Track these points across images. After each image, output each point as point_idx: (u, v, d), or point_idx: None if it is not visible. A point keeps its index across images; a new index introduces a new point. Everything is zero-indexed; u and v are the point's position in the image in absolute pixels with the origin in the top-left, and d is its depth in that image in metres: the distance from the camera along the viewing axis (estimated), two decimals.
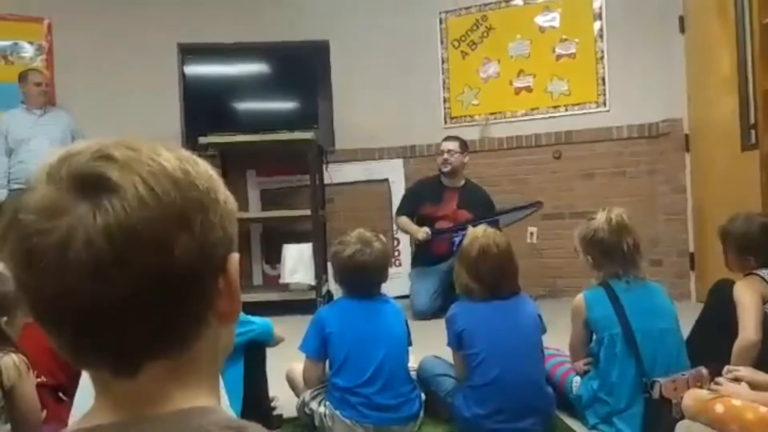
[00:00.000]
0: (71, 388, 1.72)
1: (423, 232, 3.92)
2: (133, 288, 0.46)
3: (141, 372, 0.49)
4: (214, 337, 0.53)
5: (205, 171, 0.52)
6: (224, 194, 0.53)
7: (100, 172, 0.46)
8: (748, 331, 2.07)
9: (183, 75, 4.42)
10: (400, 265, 4.38)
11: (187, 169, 0.50)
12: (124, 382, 0.49)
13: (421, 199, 4.08)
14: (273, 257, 4.56)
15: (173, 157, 0.50)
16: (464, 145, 4.08)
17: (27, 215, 0.47)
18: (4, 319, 1.75)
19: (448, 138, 4.11)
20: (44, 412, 1.76)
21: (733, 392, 1.80)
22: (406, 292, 3.98)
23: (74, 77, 4.44)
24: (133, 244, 0.46)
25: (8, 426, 1.60)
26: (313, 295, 4.06)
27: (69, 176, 0.47)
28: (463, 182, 4.09)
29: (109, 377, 0.50)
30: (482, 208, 3.96)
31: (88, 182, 0.46)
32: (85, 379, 1.31)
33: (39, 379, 1.78)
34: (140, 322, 0.47)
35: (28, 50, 4.54)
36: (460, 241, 2.26)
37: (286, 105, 4.57)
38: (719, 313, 2.25)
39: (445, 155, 4.00)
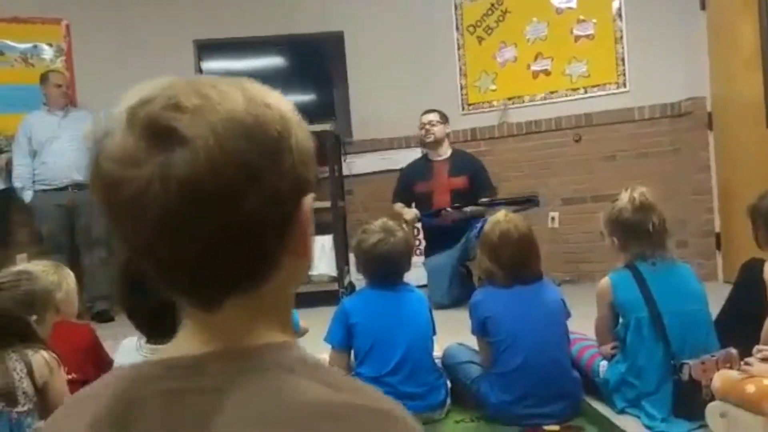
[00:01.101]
0: None
1: (411, 213, 3.94)
2: (206, 239, 0.48)
3: (222, 308, 0.51)
4: (287, 275, 0.54)
5: (277, 113, 0.51)
6: (298, 135, 0.53)
7: (171, 124, 0.47)
8: None
9: (200, 71, 4.44)
10: (420, 254, 4.37)
11: (257, 115, 0.49)
12: (208, 315, 0.52)
13: (412, 179, 4.05)
14: None
15: (244, 101, 0.49)
16: (444, 116, 4.04)
17: (107, 162, 0.48)
18: (34, 317, 1.78)
19: (427, 111, 4.06)
20: None
21: (764, 372, 1.77)
22: (424, 281, 3.95)
23: (94, 77, 4.49)
24: (205, 199, 0.47)
25: (42, 423, 1.63)
26: (335, 286, 4.07)
27: (143, 124, 0.48)
28: (450, 152, 4.05)
29: (194, 309, 0.52)
30: (473, 171, 3.92)
31: (160, 133, 0.47)
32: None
33: (70, 376, 1.81)
34: (216, 267, 0.49)
35: (47, 52, 4.60)
36: (481, 227, 2.25)
37: (302, 97, 4.56)
38: (749, 293, 2.21)
39: (426, 126, 3.98)
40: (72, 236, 4.00)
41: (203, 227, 0.47)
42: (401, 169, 4.26)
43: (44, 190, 3.94)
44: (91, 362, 2.03)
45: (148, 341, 1.30)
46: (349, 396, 0.50)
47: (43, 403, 1.64)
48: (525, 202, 3.78)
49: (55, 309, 2.04)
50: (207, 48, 4.50)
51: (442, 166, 4.01)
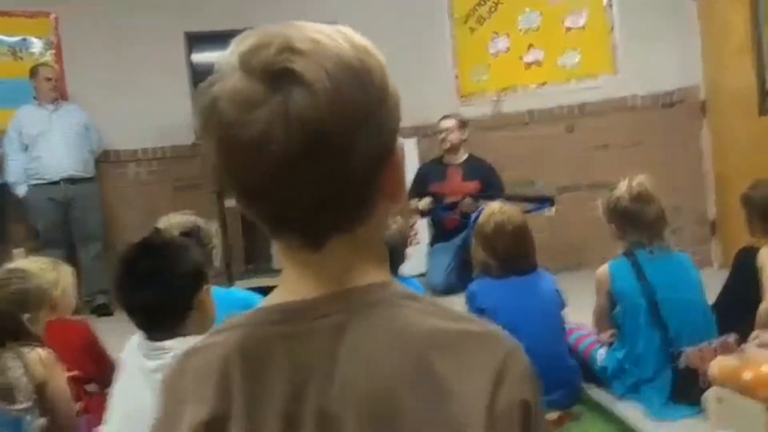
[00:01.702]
0: (103, 379, 1.74)
1: (424, 202, 4.03)
2: (320, 180, 0.49)
3: (325, 247, 0.53)
4: (380, 217, 0.56)
5: (378, 63, 0.53)
6: (392, 82, 0.54)
7: (288, 66, 0.48)
8: None
9: (191, 64, 4.41)
10: (418, 243, 4.38)
11: (363, 59, 0.51)
12: (312, 254, 0.53)
13: (426, 180, 4.15)
14: None
15: (351, 46, 0.51)
16: (462, 123, 4.14)
17: (226, 103, 0.48)
18: (27, 315, 1.77)
19: (445, 117, 4.16)
20: (78, 405, 1.78)
21: (762, 358, 1.79)
22: (424, 270, 4.01)
23: (84, 70, 4.44)
24: (325, 138, 0.48)
25: (42, 420, 1.62)
26: None
27: (260, 67, 0.48)
28: (465, 157, 4.15)
29: (297, 249, 0.53)
30: (486, 177, 4.00)
31: (278, 75, 0.48)
32: (123, 376, 1.32)
33: (70, 374, 1.80)
34: (325, 208, 0.51)
35: (36, 45, 4.54)
36: (476, 218, 2.25)
37: None
38: (744, 280, 2.24)
39: (444, 134, 4.09)
40: (67, 230, 3.98)
41: (322, 166, 0.49)
42: (419, 169, 4.32)
43: (37, 185, 3.91)
44: (90, 359, 2.02)
45: (148, 338, 1.29)
46: (452, 323, 0.53)
47: (42, 400, 1.63)
48: (541, 201, 3.84)
49: (51, 306, 2.03)
50: (198, 40, 4.45)
51: (456, 170, 4.10)
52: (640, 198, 2.08)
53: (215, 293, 1.41)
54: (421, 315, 0.53)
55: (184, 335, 1.27)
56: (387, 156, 0.54)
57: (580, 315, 2.26)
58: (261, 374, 0.52)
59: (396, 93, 0.55)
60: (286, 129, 0.47)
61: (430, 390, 0.49)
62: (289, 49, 0.48)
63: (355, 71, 0.50)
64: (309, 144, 0.48)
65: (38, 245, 3.81)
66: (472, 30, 4.64)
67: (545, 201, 3.86)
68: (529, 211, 3.77)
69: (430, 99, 4.55)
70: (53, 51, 4.53)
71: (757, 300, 2.10)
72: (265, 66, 0.48)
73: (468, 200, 3.83)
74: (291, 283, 0.55)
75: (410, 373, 0.50)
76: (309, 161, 0.48)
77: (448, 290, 3.53)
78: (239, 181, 0.51)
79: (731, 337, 1.92)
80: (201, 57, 4.44)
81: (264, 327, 0.53)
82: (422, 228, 4.55)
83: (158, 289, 1.27)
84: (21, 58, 4.45)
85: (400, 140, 0.56)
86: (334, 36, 0.51)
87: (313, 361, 0.51)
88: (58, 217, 3.94)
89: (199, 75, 4.35)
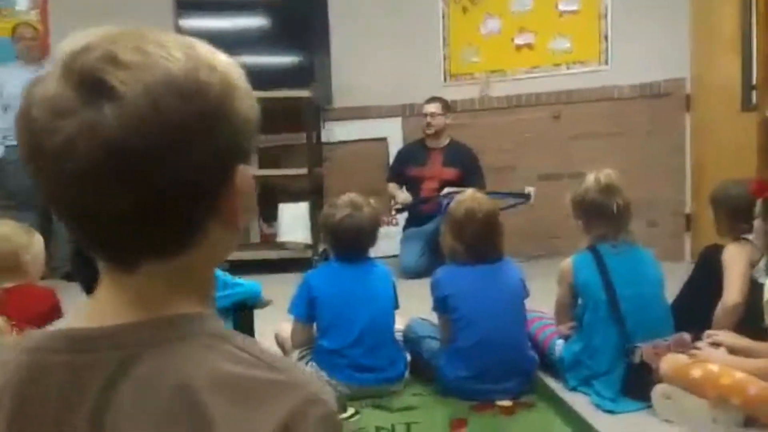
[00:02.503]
0: None
1: (403, 196, 4.07)
2: (130, 200, 0.47)
3: (139, 270, 0.50)
4: (213, 245, 0.53)
5: (221, 78, 0.49)
6: (243, 104, 0.51)
7: (104, 78, 0.45)
8: (731, 293, 2.09)
9: (179, 29, 4.35)
10: (396, 224, 4.39)
11: (199, 78, 0.48)
12: (124, 276, 0.51)
13: (407, 163, 4.16)
14: (270, 215, 4.57)
15: (186, 62, 0.48)
16: (446, 106, 4.12)
17: (37, 109, 0.47)
18: None
19: (430, 100, 4.13)
20: None
21: (712, 357, 1.82)
22: (397, 252, 4.03)
23: (69, 31, 4.36)
24: (131, 159, 0.45)
25: None
26: (309, 253, 4.09)
27: (78, 73, 0.46)
28: (447, 141, 4.14)
29: (108, 269, 0.52)
30: (467, 165, 4.00)
31: (93, 85, 0.45)
32: None
33: None
34: (137, 228, 0.48)
35: (21, 3, 4.47)
36: (448, 204, 2.26)
37: (283, 61, 4.50)
38: (707, 278, 2.26)
39: (428, 118, 4.07)
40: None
41: (127, 187, 0.46)
42: (399, 151, 4.33)
43: (14, 146, 3.85)
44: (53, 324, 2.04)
45: None
46: (250, 369, 0.49)
47: None
48: (519, 197, 3.85)
49: (21, 271, 2.04)
50: (186, 6, 4.40)
51: (437, 155, 4.10)
52: (607, 190, 2.09)
53: None
54: (222, 358, 0.49)
55: None
56: (222, 180, 0.51)
57: (549, 302, 2.27)
58: (29, 411, 0.49)
59: (246, 115, 0.52)
60: (89, 143, 0.45)
61: None
62: (111, 59, 0.46)
63: (182, 90, 0.47)
64: (111, 162, 0.45)
65: (12, 207, 3.79)
66: (465, 9, 4.59)
67: (523, 198, 3.88)
68: (506, 207, 3.79)
69: (418, 78, 4.52)
70: (38, 11, 4.46)
71: (718, 298, 2.14)
72: (82, 73, 0.46)
73: (449, 198, 3.81)
74: (99, 304, 0.52)
75: (181, 419, 0.47)
76: (110, 180, 0.46)
77: (419, 275, 3.55)
78: (45, 190, 0.49)
79: (686, 335, 1.95)
80: (190, 23, 4.39)
81: (46, 355, 0.50)
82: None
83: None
84: (5, 16, 4.38)
85: (242, 168, 0.52)
86: (170, 48, 0.48)
87: (84, 401, 0.48)
88: (32, 181, 3.90)
89: None
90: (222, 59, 0.51)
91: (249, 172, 0.53)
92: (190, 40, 0.50)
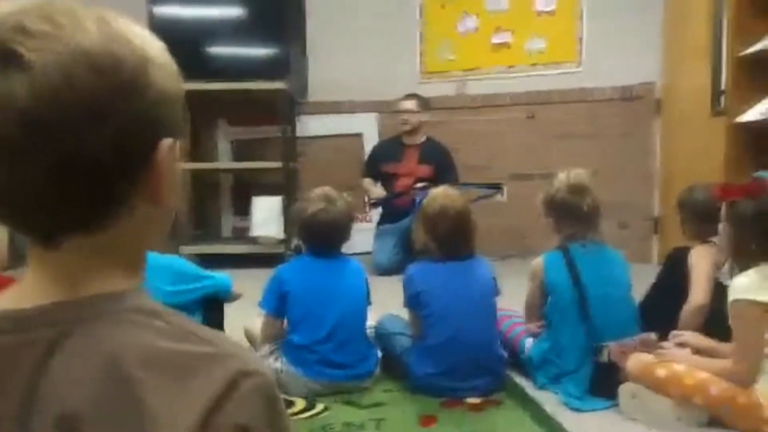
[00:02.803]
0: None
1: (377, 192, 4.07)
2: (44, 172, 0.46)
3: (61, 247, 0.50)
4: (139, 222, 0.52)
5: (137, 51, 0.49)
6: (160, 76, 0.50)
7: (13, 48, 0.45)
8: (697, 293, 2.13)
9: (152, 18, 4.27)
10: (370, 220, 4.38)
11: (112, 50, 0.47)
12: (48, 253, 0.50)
13: (382, 159, 4.15)
14: (242, 209, 4.53)
15: (100, 34, 0.47)
16: (423, 104, 4.11)
17: None
18: None
19: (406, 97, 4.12)
20: None
21: (677, 357, 1.85)
22: (371, 248, 4.03)
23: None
24: (43, 131, 0.45)
25: None
26: (282, 248, 4.06)
27: None
28: (423, 139, 4.13)
29: (33, 245, 0.51)
30: (441, 163, 4.01)
31: (3, 56, 0.45)
32: None
33: None
34: (54, 203, 0.48)
35: None
36: (421, 200, 2.26)
37: (258, 52, 4.45)
38: (674, 279, 2.30)
39: (405, 116, 4.06)
40: None
41: (41, 159, 0.46)
42: (374, 147, 4.33)
43: None
44: None
45: None
46: (183, 344, 0.49)
47: None
48: (492, 188, 3.88)
49: None
50: None
51: (413, 151, 4.09)
52: (577, 190, 2.11)
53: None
54: (148, 333, 0.49)
55: None
56: (142, 155, 0.50)
57: (522, 301, 2.29)
58: None
59: (168, 88, 0.51)
60: (3, 113, 0.44)
61: (127, 415, 0.47)
62: (22, 29, 0.45)
63: (94, 62, 0.46)
64: (23, 134, 0.45)
65: None
66: (443, 6, 4.60)
67: (495, 188, 3.91)
68: (480, 198, 3.82)
69: (394, 74, 4.52)
70: None
71: (684, 299, 2.17)
72: None
73: (424, 193, 3.80)
74: (26, 284, 0.52)
75: (109, 395, 0.47)
76: (23, 153, 0.45)
77: (392, 271, 3.55)
78: None
79: (652, 335, 1.98)
80: (162, 10, 4.31)
81: None
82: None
83: None
84: None
85: (165, 141, 0.52)
86: (85, 21, 0.47)
87: (14, 383, 0.48)
88: None
89: (160, 30, 4.17)
90: (138, 32, 0.51)
91: (175, 147, 0.53)
92: (105, 12, 0.50)
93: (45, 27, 0.46)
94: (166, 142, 0.52)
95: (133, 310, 0.51)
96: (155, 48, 0.52)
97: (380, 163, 4.14)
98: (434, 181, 3.85)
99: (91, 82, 0.46)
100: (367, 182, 4.20)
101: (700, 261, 2.21)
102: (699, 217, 2.27)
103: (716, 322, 1.97)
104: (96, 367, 0.47)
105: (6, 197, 0.48)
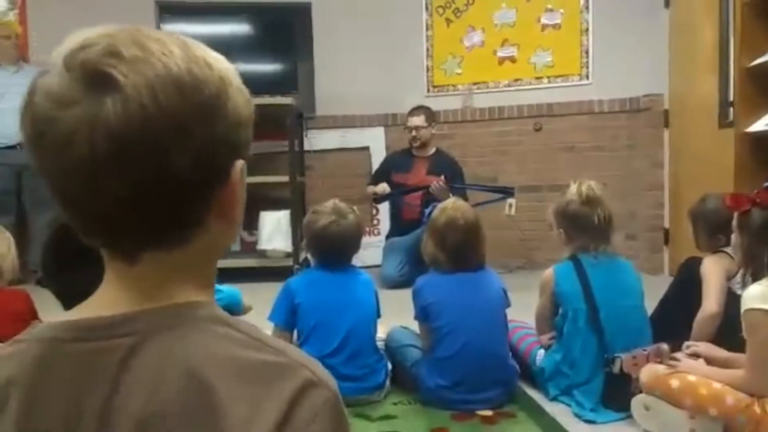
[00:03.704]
0: None
1: (380, 187, 4.05)
2: (130, 189, 0.48)
3: (140, 262, 0.52)
4: (212, 238, 0.54)
5: (216, 74, 0.51)
6: (238, 99, 0.53)
7: (107, 71, 0.47)
8: (710, 302, 2.12)
9: None
10: (378, 234, 4.38)
11: (195, 73, 0.49)
12: (126, 267, 0.52)
13: (391, 169, 4.16)
14: (251, 223, 4.54)
15: (184, 57, 0.49)
16: (430, 117, 4.11)
17: (40, 99, 0.48)
18: None
19: (413, 111, 4.12)
20: None
21: (690, 367, 1.83)
22: (380, 261, 4.03)
23: (48, 33, 4.32)
24: (132, 148, 0.47)
25: None
26: (290, 262, 4.06)
27: (80, 67, 0.47)
28: (432, 151, 4.15)
29: (111, 260, 0.53)
30: (450, 174, 4.01)
31: (95, 78, 0.47)
32: None
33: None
34: (137, 220, 0.50)
35: (0, 4, 4.41)
36: (430, 212, 2.26)
37: (266, 68, 4.49)
38: (686, 290, 2.29)
39: (413, 132, 4.07)
40: (18, 198, 3.89)
41: (127, 178, 0.47)
42: (386, 157, 4.34)
43: None
44: (25, 327, 1.99)
45: None
46: (255, 353, 0.51)
47: None
48: (501, 191, 3.86)
49: None
50: (169, 10, 4.37)
51: (423, 163, 4.10)
52: (589, 202, 2.11)
53: None
54: (224, 342, 0.51)
55: None
56: (219, 175, 0.52)
57: (531, 313, 2.28)
58: (39, 400, 0.50)
59: (242, 111, 0.53)
60: (91, 135, 0.46)
61: (205, 420, 0.48)
62: (114, 53, 0.47)
63: (181, 84, 0.48)
64: (113, 154, 0.47)
65: None
66: (448, 21, 4.63)
67: (507, 192, 3.90)
68: (490, 201, 3.81)
69: (401, 89, 4.55)
70: (17, 11, 4.40)
71: (697, 310, 2.16)
72: (85, 66, 0.47)
73: (438, 185, 3.80)
74: (104, 295, 0.54)
75: (189, 401, 0.48)
76: (111, 172, 0.47)
77: (400, 285, 3.54)
78: (48, 179, 0.50)
79: (664, 345, 1.96)
80: (172, 28, 4.36)
81: (55, 345, 0.51)
82: (382, 219, 4.57)
83: (92, 270, 1.24)
84: None
85: (239, 162, 0.54)
86: (169, 46, 0.50)
87: (96, 386, 0.50)
88: (10, 183, 3.84)
89: None
90: (215, 56, 0.53)
91: (245, 168, 0.55)
92: (183, 38, 0.52)
93: (136, 52, 0.48)
94: (240, 163, 0.54)
95: (209, 318, 0.53)
96: (231, 72, 0.54)
97: (390, 173, 4.15)
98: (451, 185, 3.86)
99: (177, 104, 0.48)
100: (370, 188, 4.20)
101: (713, 270, 2.19)
102: (711, 227, 2.26)
103: (729, 332, 1.95)
104: (174, 373, 0.49)
105: (92, 213, 0.50)
